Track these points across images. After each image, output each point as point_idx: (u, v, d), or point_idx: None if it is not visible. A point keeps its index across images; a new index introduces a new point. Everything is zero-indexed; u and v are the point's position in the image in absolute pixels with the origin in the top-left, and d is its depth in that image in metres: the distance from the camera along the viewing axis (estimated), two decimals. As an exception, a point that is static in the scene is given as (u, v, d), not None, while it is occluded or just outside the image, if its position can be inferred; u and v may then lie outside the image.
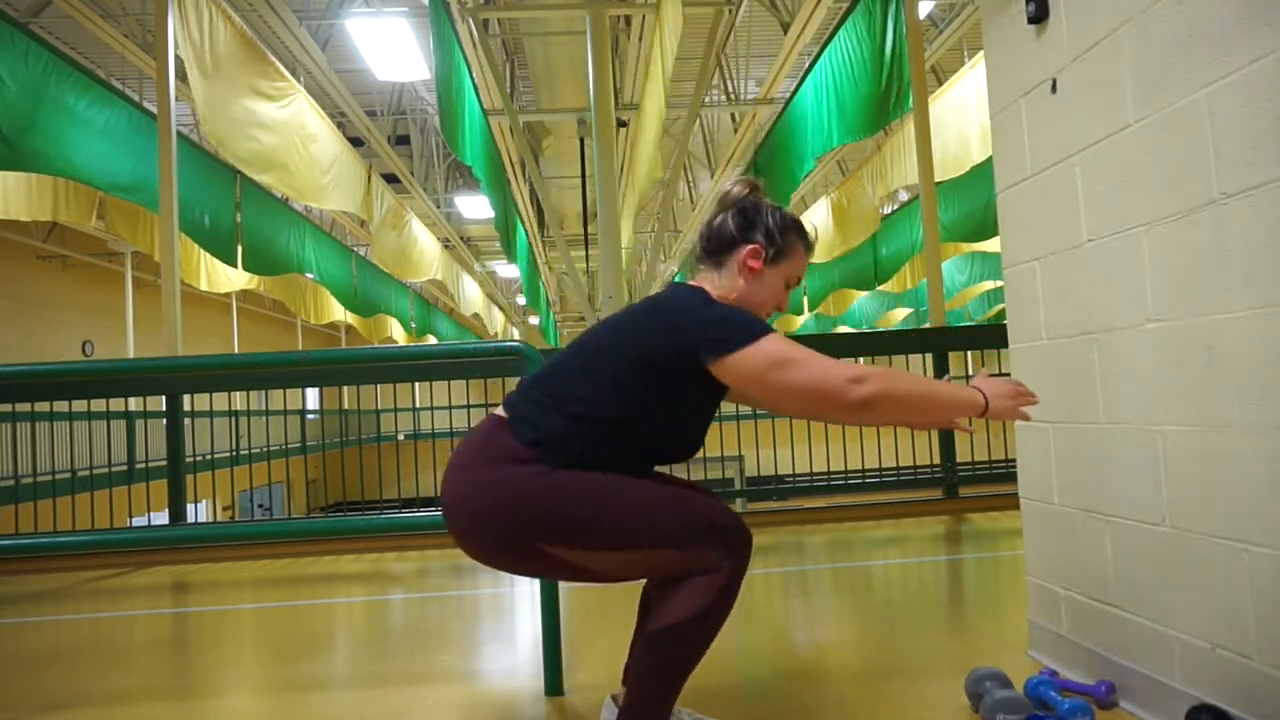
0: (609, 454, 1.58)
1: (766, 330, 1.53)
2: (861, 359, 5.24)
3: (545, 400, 1.60)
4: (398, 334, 17.81)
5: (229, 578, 4.08)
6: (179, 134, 5.63)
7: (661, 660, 1.57)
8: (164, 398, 5.02)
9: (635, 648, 1.68)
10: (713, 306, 1.59)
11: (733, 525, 1.58)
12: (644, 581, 1.75)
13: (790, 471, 5.75)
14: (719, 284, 1.70)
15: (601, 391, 1.57)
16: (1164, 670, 1.70)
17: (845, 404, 1.47)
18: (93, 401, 5.01)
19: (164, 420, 5.10)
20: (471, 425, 1.68)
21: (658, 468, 1.71)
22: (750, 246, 1.68)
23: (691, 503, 1.59)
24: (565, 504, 1.52)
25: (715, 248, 1.71)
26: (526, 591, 3.42)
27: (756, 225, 1.70)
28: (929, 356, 5.23)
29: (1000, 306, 15.27)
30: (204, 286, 10.45)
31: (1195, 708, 1.56)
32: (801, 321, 17.54)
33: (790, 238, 1.71)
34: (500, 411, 1.65)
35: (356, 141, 10.75)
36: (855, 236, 10.56)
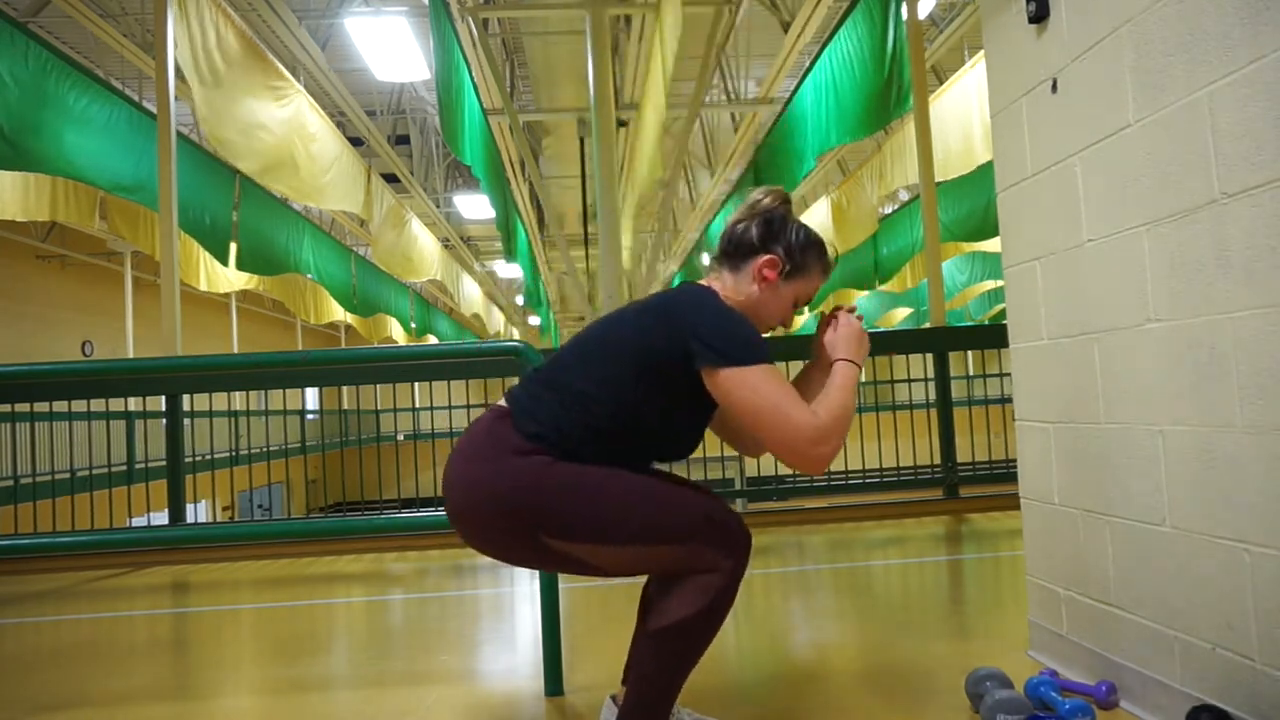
0: (609, 448, 1.58)
1: (763, 359, 1.53)
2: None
3: (547, 393, 1.60)
4: (397, 334, 17.81)
5: (229, 578, 4.08)
6: (179, 134, 5.63)
7: (661, 660, 1.57)
8: (164, 398, 5.02)
9: (634, 647, 1.68)
10: (721, 313, 1.59)
11: (733, 524, 1.58)
12: (644, 581, 1.75)
13: (790, 471, 5.74)
14: (731, 287, 1.70)
15: (603, 386, 1.57)
16: (1164, 670, 1.70)
17: (804, 465, 1.52)
18: (93, 401, 5.01)
19: (164, 420, 5.10)
20: (464, 432, 1.69)
21: (658, 465, 1.71)
22: (769, 256, 1.68)
23: (692, 501, 1.59)
24: (566, 496, 1.53)
25: (734, 251, 1.71)
26: (526, 591, 3.42)
27: (779, 237, 1.69)
28: (929, 356, 5.23)
29: (1001, 306, 15.27)
30: (204, 286, 10.45)
31: (1195, 708, 1.56)
32: (802, 322, 17.55)
33: (810, 257, 1.71)
34: (503, 403, 1.66)
35: (356, 141, 10.75)
36: (855, 236, 10.56)
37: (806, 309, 1.82)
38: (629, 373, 1.57)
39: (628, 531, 1.53)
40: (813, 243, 1.72)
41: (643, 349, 1.57)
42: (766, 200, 1.73)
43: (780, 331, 1.83)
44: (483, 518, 1.57)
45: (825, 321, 1.76)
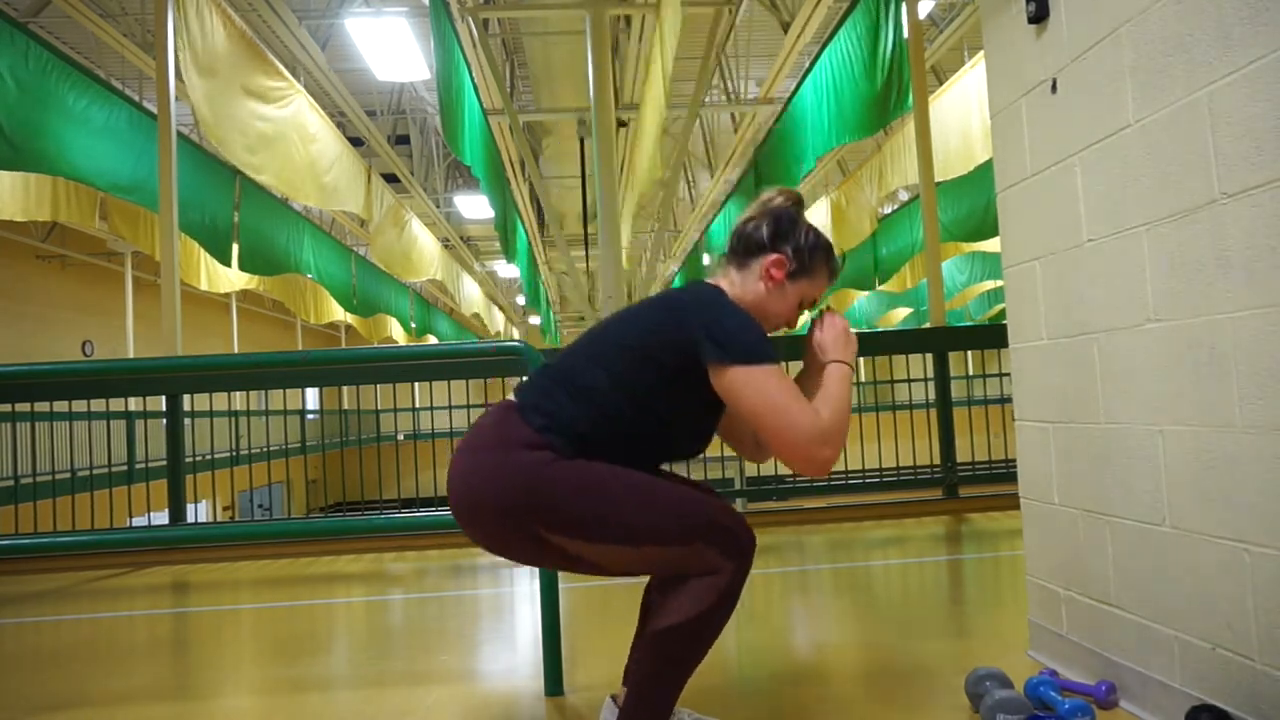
0: (618, 445, 1.58)
1: (771, 360, 1.54)
2: (861, 359, 5.25)
3: (558, 389, 1.60)
4: (397, 334, 17.81)
5: (229, 578, 4.08)
6: (179, 134, 5.63)
7: (662, 661, 1.57)
8: (164, 398, 5.02)
9: (636, 648, 1.68)
10: (730, 312, 1.59)
11: (736, 526, 1.58)
12: (645, 582, 1.75)
13: (790, 471, 5.74)
14: (738, 285, 1.70)
15: (614, 383, 1.57)
16: (1164, 670, 1.70)
17: (808, 467, 1.53)
18: (93, 401, 5.01)
19: (164, 420, 5.10)
20: (472, 425, 1.69)
21: (665, 465, 1.71)
22: (776, 256, 1.68)
23: (695, 502, 1.59)
24: (570, 493, 1.53)
25: (743, 249, 1.71)
26: (526, 591, 3.42)
27: (789, 238, 1.70)
28: (929, 356, 5.23)
29: (1000, 306, 15.27)
30: (204, 286, 10.45)
31: (1195, 708, 1.56)
32: (802, 323, 17.47)
33: (818, 260, 1.72)
34: (511, 398, 1.66)
35: (356, 141, 10.75)
36: (855, 236, 10.56)
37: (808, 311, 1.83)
38: (640, 370, 1.57)
39: (629, 530, 1.53)
40: (821, 245, 1.73)
41: (654, 347, 1.58)
42: (779, 200, 1.74)
43: (784, 331, 1.84)
44: (486, 511, 1.56)
45: (814, 324, 1.77)
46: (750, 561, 1.59)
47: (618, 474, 1.56)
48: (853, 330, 1.73)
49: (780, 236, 1.70)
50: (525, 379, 1.70)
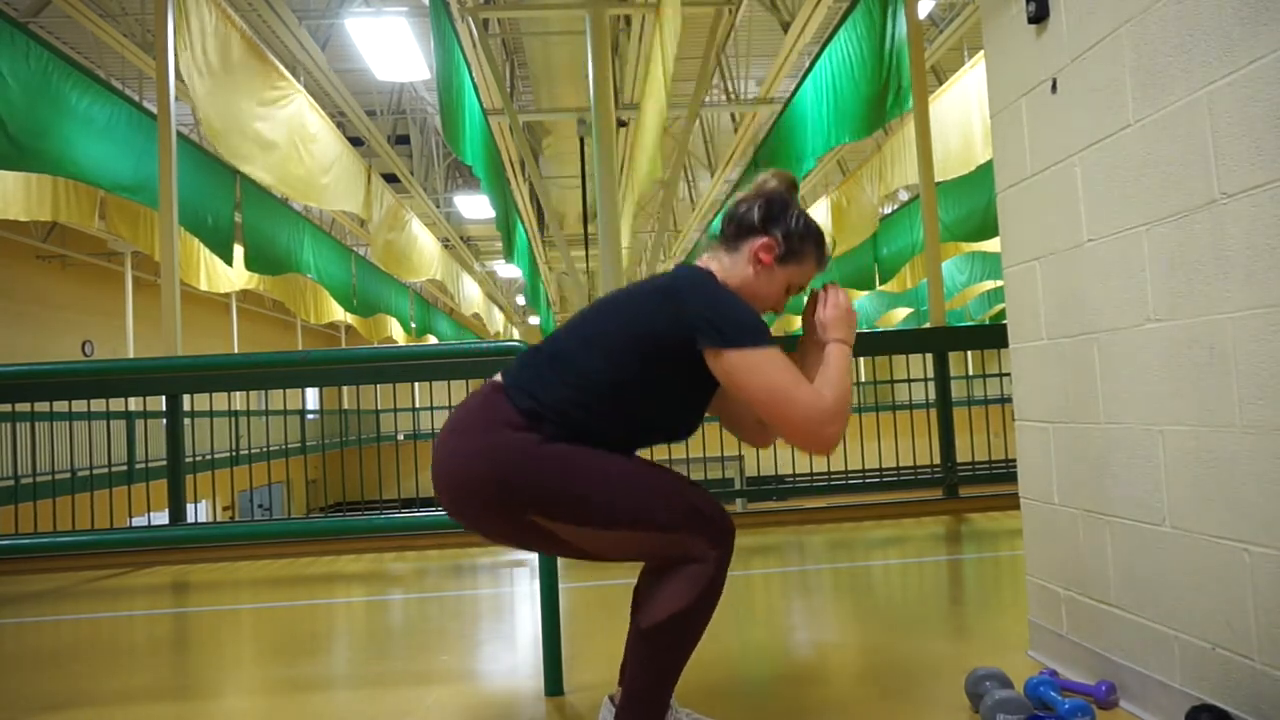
0: (606, 427, 1.58)
1: (769, 341, 1.54)
2: (861, 359, 5.24)
3: (547, 370, 1.60)
4: (397, 334, 17.81)
5: (229, 578, 4.08)
6: (179, 134, 5.63)
7: (654, 655, 1.58)
8: (164, 398, 5.02)
9: (628, 645, 1.68)
10: (722, 296, 1.59)
11: (717, 515, 1.59)
12: (637, 579, 1.76)
13: (790, 471, 5.75)
14: (726, 267, 1.70)
15: (602, 365, 1.57)
16: (1164, 670, 1.70)
17: (814, 445, 1.53)
18: (93, 401, 5.01)
19: (164, 420, 5.10)
20: (457, 405, 1.68)
21: (650, 453, 1.71)
22: (766, 239, 1.68)
23: (679, 489, 1.60)
24: (555, 475, 1.52)
25: (734, 230, 1.72)
26: (526, 591, 3.42)
27: (780, 221, 1.70)
28: (929, 356, 5.23)
29: (1000, 306, 15.27)
30: (204, 286, 10.44)
31: (1195, 708, 1.56)
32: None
33: (808, 245, 1.71)
34: (498, 378, 1.66)
35: (356, 141, 10.75)
36: (855, 236, 10.56)
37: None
38: (629, 352, 1.57)
39: (614, 514, 1.53)
40: (812, 231, 1.72)
41: (643, 330, 1.58)
42: (773, 183, 1.74)
43: (781, 332, 1.84)
44: (471, 493, 1.56)
45: (813, 299, 1.76)
46: (731, 550, 1.60)
47: (604, 458, 1.56)
48: (840, 304, 1.72)
49: (771, 220, 1.70)
50: (513, 361, 1.70)
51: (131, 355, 13.41)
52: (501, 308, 26.23)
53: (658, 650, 1.58)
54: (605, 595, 3.17)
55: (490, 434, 1.55)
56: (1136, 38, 1.68)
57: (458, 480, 1.56)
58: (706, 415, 1.77)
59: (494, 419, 1.56)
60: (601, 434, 1.57)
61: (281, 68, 6.94)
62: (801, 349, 1.76)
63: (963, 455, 5.12)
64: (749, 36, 11.28)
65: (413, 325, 17.74)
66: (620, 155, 11.30)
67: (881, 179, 9.35)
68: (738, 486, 12.27)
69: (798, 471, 5.64)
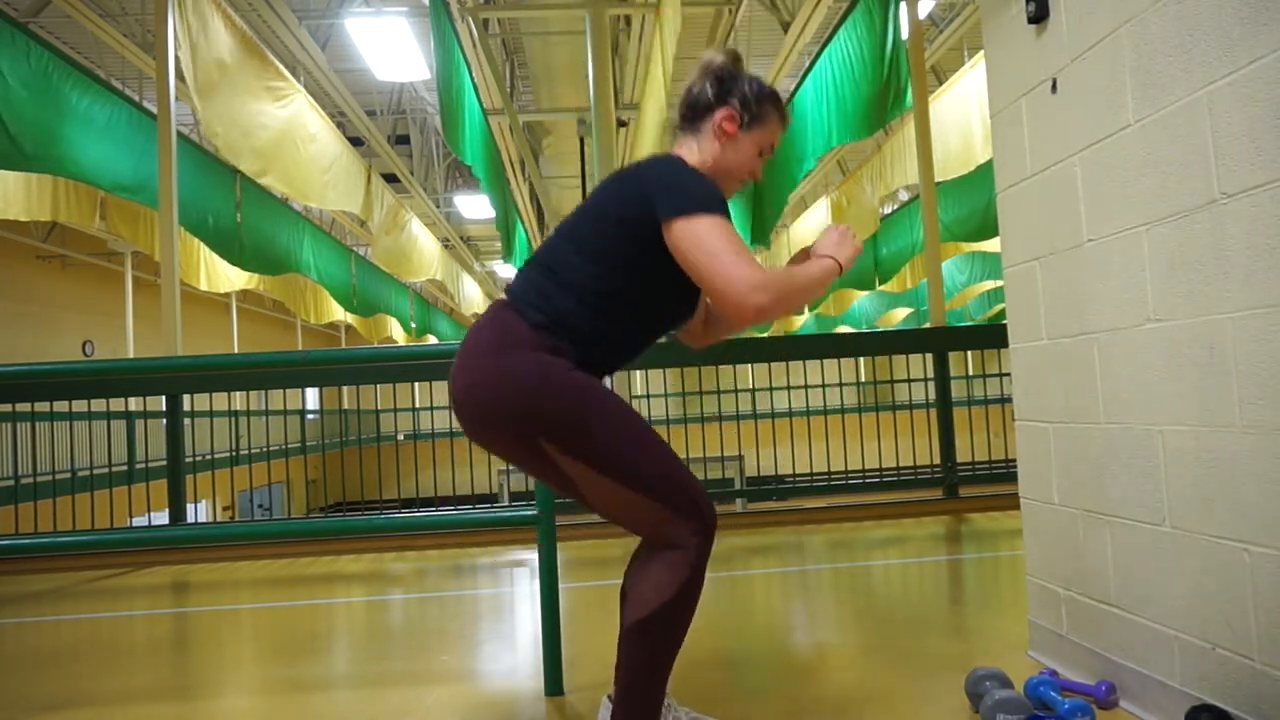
0: (610, 319, 1.60)
1: (716, 210, 1.54)
2: (861, 359, 5.24)
3: (543, 278, 1.62)
4: (398, 334, 17.80)
5: (229, 578, 4.08)
6: (179, 134, 5.63)
7: (643, 649, 1.60)
8: (164, 398, 5.02)
9: (619, 644, 1.69)
10: (677, 169, 1.61)
11: (704, 504, 1.60)
12: (623, 578, 1.77)
13: (790, 471, 5.75)
14: (695, 150, 1.73)
15: (593, 259, 1.60)
16: (1164, 670, 1.70)
17: (738, 312, 1.51)
18: (93, 401, 5.01)
19: (164, 420, 5.10)
20: (470, 329, 1.69)
21: (662, 331, 1.73)
22: (726, 110, 1.71)
23: (679, 470, 1.61)
24: (573, 402, 1.54)
25: (693, 114, 1.74)
26: (526, 591, 3.42)
27: (733, 91, 1.72)
28: (929, 356, 5.23)
29: (1000, 306, 15.26)
30: (204, 286, 10.43)
31: (1195, 708, 1.56)
32: (802, 322, 17.54)
33: (766, 106, 1.74)
34: (503, 296, 1.67)
35: (356, 141, 10.75)
36: (855, 236, 10.54)
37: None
38: (613, 241, 1.59)
39: (611, 461, 1.55)
40: (767, 92, 1.75)
41: (620, 216, 1.60)
42: (719, 60, 1.76)
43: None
44: (490, 412, 1.56)
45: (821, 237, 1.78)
46: (712, 540, 1.61)
47: (621, 406, 1.59)
48: (845, 232, 1.72)
49: (725, 91, 1.72)
50: (514, 276, 1.71)
51: (131, 355, 13.41)
52: (501, 308, 26.16)
53: (645, 644, 1.59)
54: (605, 595, 3.17)
55: (510, 355, 1.56)
56: (1136, 38, 1.68)
57: (476, 401, 1.57)
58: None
59: (510, 339, 1.57)
60: (606, 327, 1.60)
61: (281, 67, 6.94)
62: (792, 261, 1.76)
63: (963, 455, 5.12)
64: (749, 36, 11.28)
65: (413, 325, 17.74)
66: (620, 155, 11.30)
67: (881, 179, 9.35)
68: (738, 486, 12.28)
69: (798, 471, 5.64)
